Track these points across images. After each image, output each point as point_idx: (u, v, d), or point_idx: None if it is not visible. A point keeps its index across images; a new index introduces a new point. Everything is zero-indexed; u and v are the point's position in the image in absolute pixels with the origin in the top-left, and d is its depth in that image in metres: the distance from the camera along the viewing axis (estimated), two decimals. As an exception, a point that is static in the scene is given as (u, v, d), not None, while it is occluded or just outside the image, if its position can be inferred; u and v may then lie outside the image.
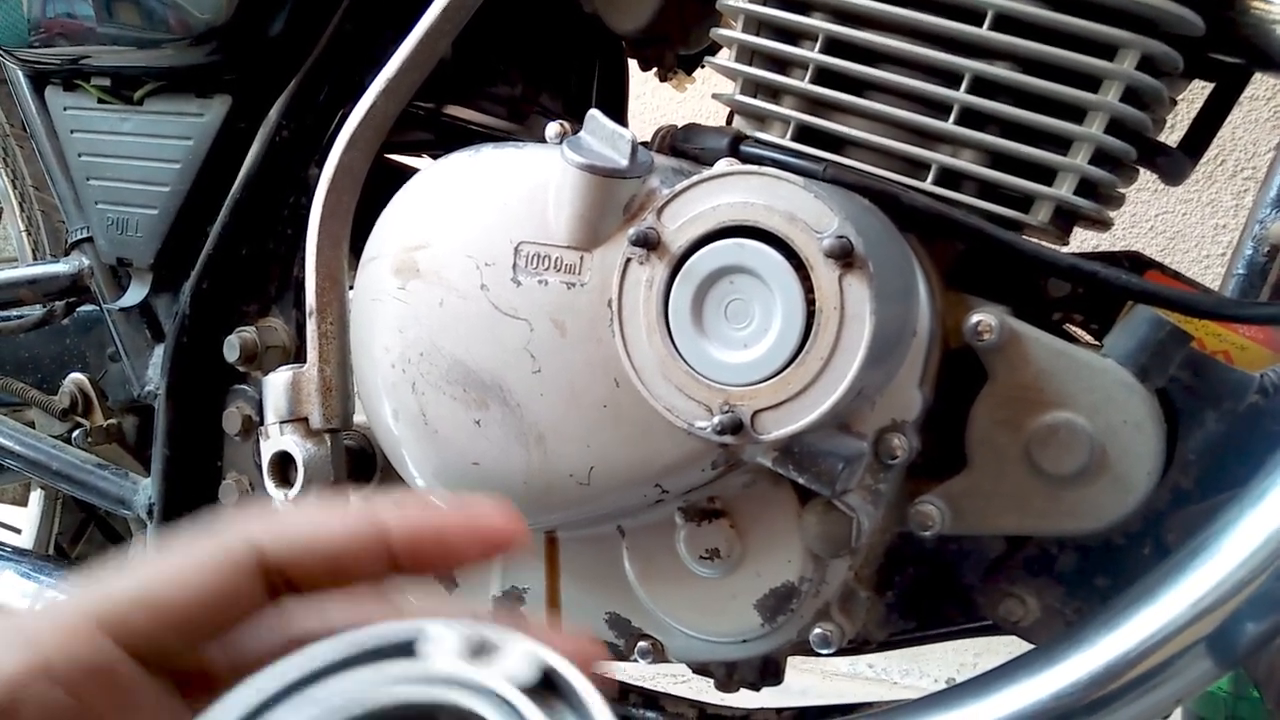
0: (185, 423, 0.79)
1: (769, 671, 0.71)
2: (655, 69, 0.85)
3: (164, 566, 0.29)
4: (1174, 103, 0.67)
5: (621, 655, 0.69)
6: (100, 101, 0.79)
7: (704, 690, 0.76)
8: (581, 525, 0.66)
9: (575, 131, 0.61)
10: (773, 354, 0.55)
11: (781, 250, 0.55)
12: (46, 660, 0.27)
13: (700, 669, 0.72)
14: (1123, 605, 0.60)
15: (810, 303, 0.55)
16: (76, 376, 0.84)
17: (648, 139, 0.70)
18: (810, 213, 0.54)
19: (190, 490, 0.81)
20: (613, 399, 0.59)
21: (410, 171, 0.74)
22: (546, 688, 0.28)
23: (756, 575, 0.64)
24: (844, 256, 0.53)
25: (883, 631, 0.72)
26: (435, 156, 0.66)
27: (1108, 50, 0.60)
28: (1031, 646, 0.65)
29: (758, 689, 0.71)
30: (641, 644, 0.69)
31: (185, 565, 0.29)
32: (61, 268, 0.88)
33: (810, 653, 0.67)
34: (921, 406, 0.63)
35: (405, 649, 0.29)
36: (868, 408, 0.62)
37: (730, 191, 0.56)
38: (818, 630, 0.65)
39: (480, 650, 0.28)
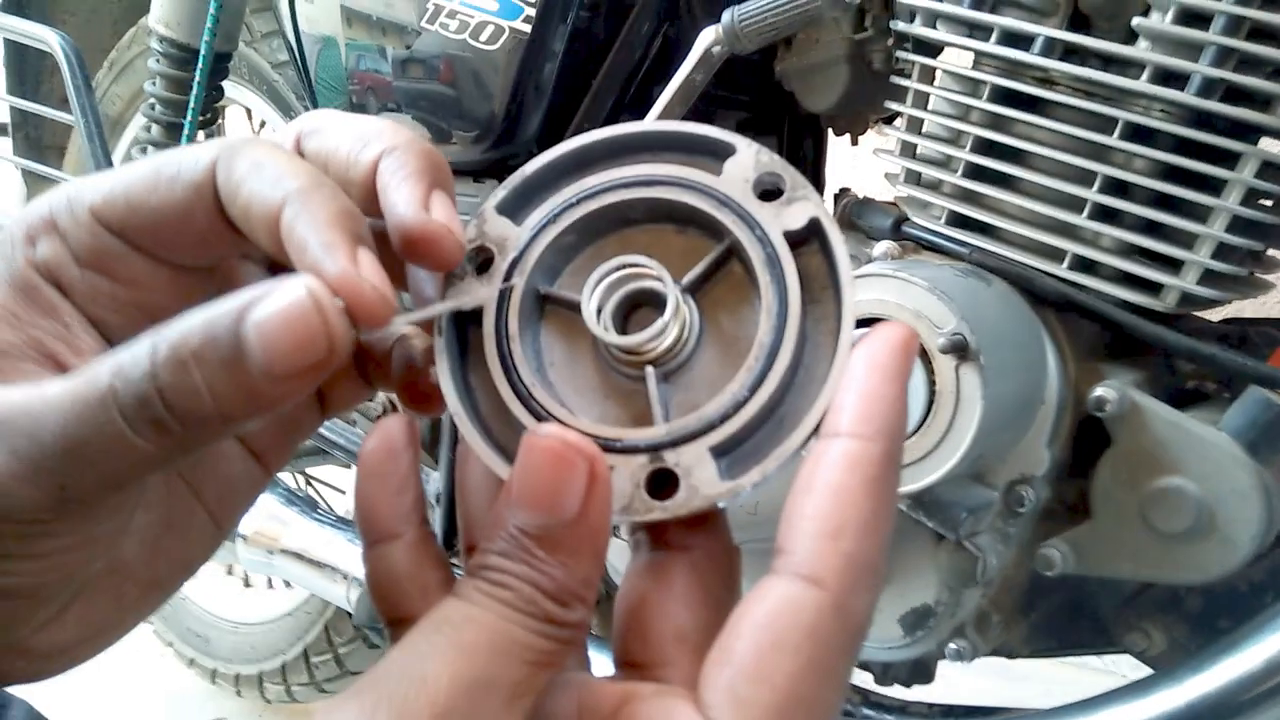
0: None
1: (919, 672, 0.83)
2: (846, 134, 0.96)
3: (138, 172, 0.31)
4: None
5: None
6: (401, 179, 1.00)
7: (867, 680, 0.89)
8: (750, 544, 0.80)
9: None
10: (901, 424, 0.67)
11: (909, 340, 0.66)
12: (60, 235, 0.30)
13: (861, 664, 0.85)
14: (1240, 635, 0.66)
15: (933, 384, 0.66)
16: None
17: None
18: (933, 311, 0.65)
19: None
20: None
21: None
22: (810, 241, 0.32)
23: (900, 595, 0.76)
24: (959, 351, 0.64)
25: (1026, 648, 0.82)
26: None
27: (1231, 156, 0.66)
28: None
29: (909, 686, 0.83)
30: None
31: (152, 176, 0.31)
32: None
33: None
34: (1050, 463, 0.72)
35: (715, 152, 0.32)
36: (998, 463, 0.72)
37: (870, 289, 0.68)
38: (952, 645, 0.76)
39: (770, 193, 0.31)
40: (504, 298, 0.32)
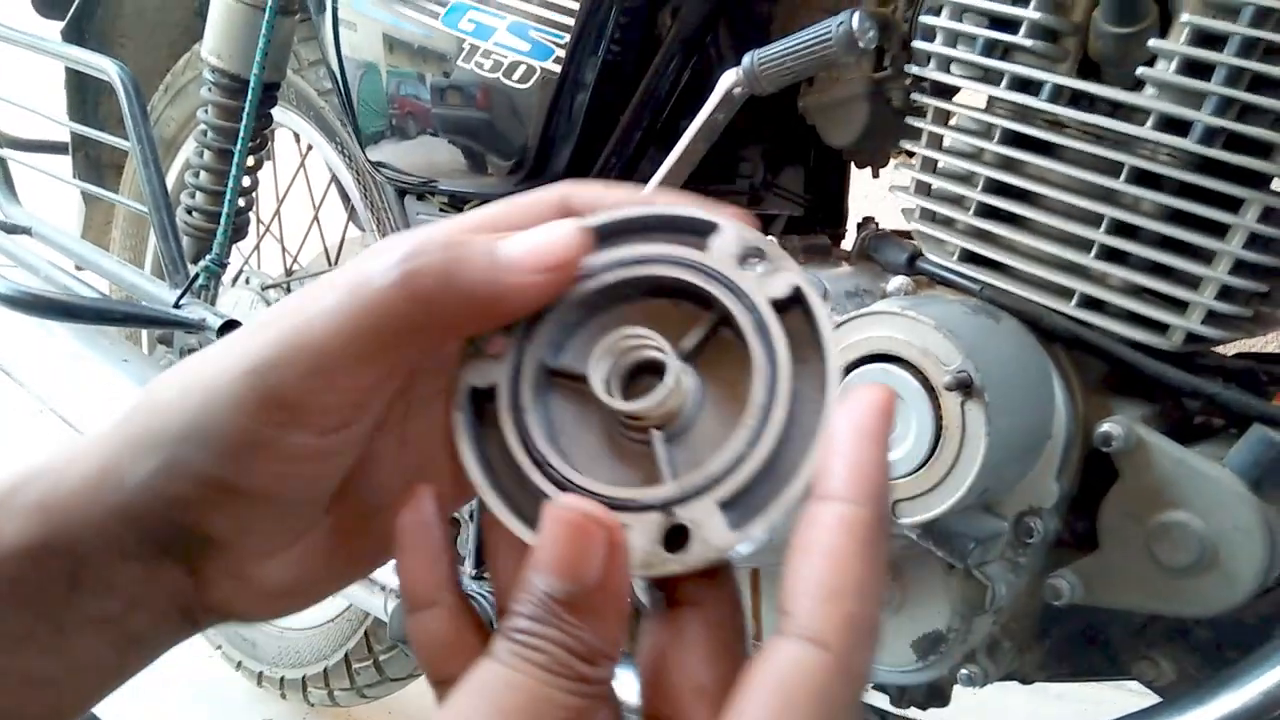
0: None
1: (934, 695, 0.85)
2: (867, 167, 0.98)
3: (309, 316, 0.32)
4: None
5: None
6: (440, 209, 1.04)
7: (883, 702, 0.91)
8: (778, 570, 0.83)
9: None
10: (909, 456, 0.69)
11: (917, 376, 0.69)
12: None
13: (878, 686, 0.87)
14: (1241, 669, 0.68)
15: (939, 418, 0.68)
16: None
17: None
18: (940, 349, 0.68)
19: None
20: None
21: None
22: (793, 307, 0.33)
23: (912, 620, 0.79)
24: (964, 388, 0.66)
25: (1040, 674, 0.84)
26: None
27: (1235, 201, 0.68)
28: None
29: (924, 709, 0.86)
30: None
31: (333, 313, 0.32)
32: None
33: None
34: (1059, 495, 0.74)
35: (700, 230, 0.35)
36: (1007, 495, 0.74)
37: (880, 326, 0.70)
38: (964, 670, 0.78)
39: (749, 259, 0.34)
40: (516, 374, 0.35)
